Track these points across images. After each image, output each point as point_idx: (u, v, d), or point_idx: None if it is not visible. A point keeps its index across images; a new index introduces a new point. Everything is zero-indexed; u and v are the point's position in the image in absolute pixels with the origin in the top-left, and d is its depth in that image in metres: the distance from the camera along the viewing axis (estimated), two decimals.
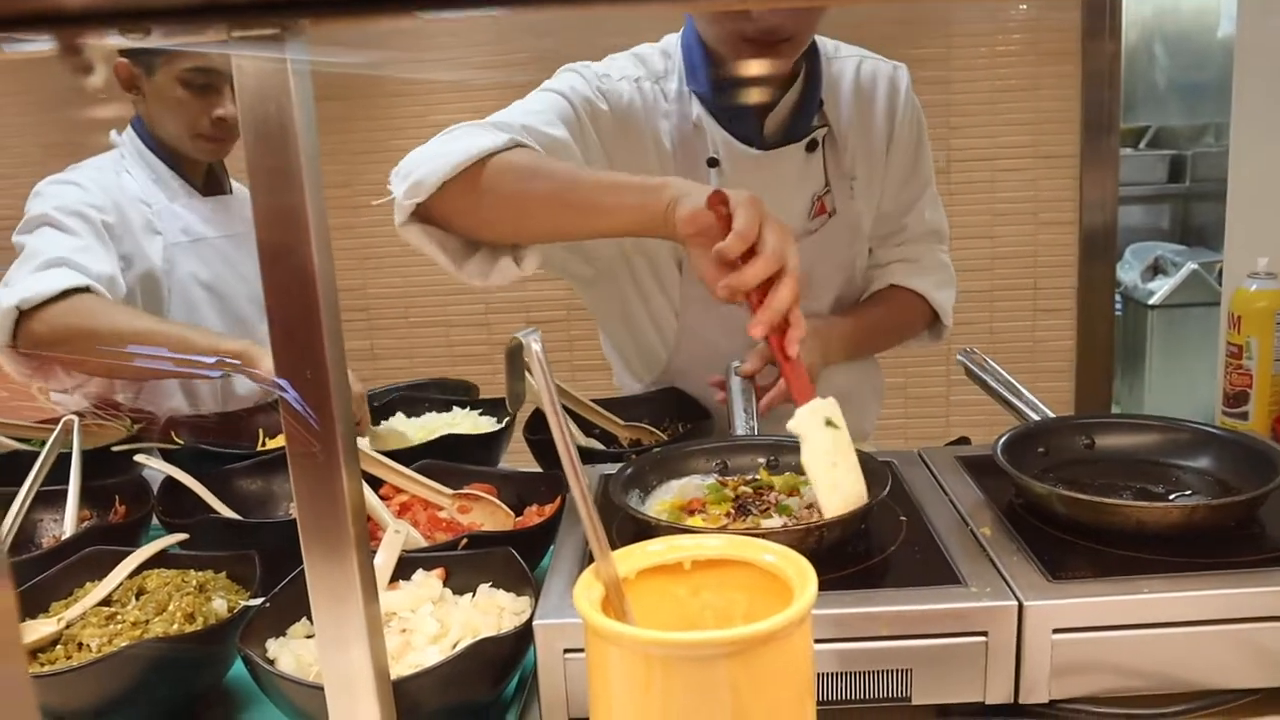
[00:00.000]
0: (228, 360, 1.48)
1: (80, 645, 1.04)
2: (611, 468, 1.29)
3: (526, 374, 1.03)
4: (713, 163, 1.55)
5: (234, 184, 2.09)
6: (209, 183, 2.04)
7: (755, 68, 1.50)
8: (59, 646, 1.05)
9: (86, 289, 1.65)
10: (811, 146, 1.58)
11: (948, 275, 1.79)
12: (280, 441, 1.66)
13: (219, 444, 1.60)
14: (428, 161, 1.32)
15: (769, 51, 1.45)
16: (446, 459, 1.44)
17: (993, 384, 1.38)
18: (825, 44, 1.64)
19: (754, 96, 1.54)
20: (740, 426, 1.41)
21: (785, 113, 1.56)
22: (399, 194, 1.34)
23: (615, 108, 1.53)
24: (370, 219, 3.48)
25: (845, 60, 1.65)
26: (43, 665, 1.03)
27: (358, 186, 3.45)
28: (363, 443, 1.45)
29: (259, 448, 1.66)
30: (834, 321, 1.69)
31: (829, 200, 1.62)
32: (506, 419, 1.67)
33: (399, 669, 0.95)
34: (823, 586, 0.74)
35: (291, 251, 0.69)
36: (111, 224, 1.83)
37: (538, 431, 1.58)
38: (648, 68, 1.59)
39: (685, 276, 1.64)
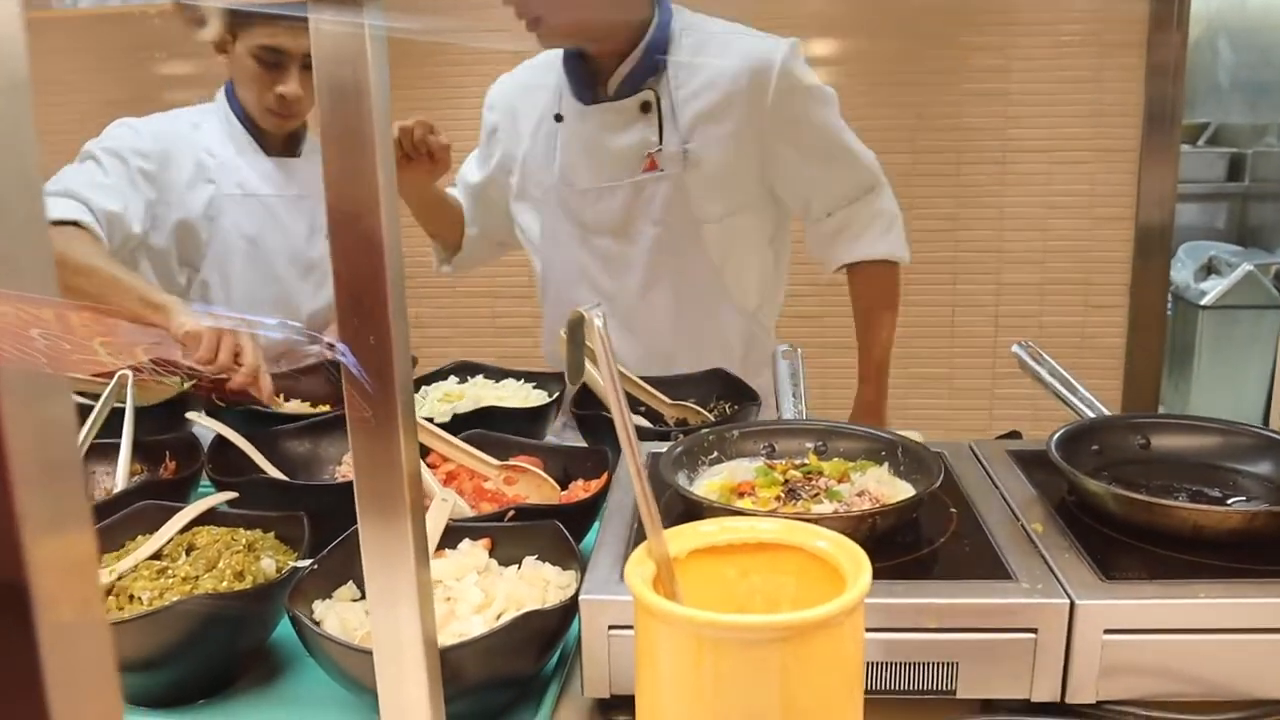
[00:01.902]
0: (289, 322, 1.52)
1: (132, 597, 1.06)
2: (658, 446, 1.29)
3: (587, 348, 1.03)
4: (558, 118, 1.87)
5: (311, 145, 2.13)
6: (286, 144, 2.09)
7: (592, 39, 1.79)
8: (111, 598, 1.07)
9: (74, 223, 1.76)
10: (644, 107, 1.79)
11: (885, 219, 1.90)
12: (292, 407, 1.72)
13: (227, 400, 1.64)
14: None
15: (533, 30, 1.73)
16: (494, 430, 1.44)
17: (1047, 378, 1.36)
18: (692, 18, 1.84)
19: (594, 61, 1.82)
20: (788, 410, 1.40)
21: (621, 75, 1.79)
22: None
23: (503, 106, 2.00)
24: None
25: (708, 36, 1.82)
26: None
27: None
28: None
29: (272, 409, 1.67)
30: (858, 402, 2.01)
31: (659, 158, 1.80)
32: (557, 393, 1.67)
33: (443, 638, 0.96)
34: (872, 575, 0.74)
35: (360, 216, 0.69)
36: (151, 170, 1.92)
37: (585, 406, 1.58)
38: (544, 60, 1.94)
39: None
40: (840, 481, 1.16)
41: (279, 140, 2.07)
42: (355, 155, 0.68)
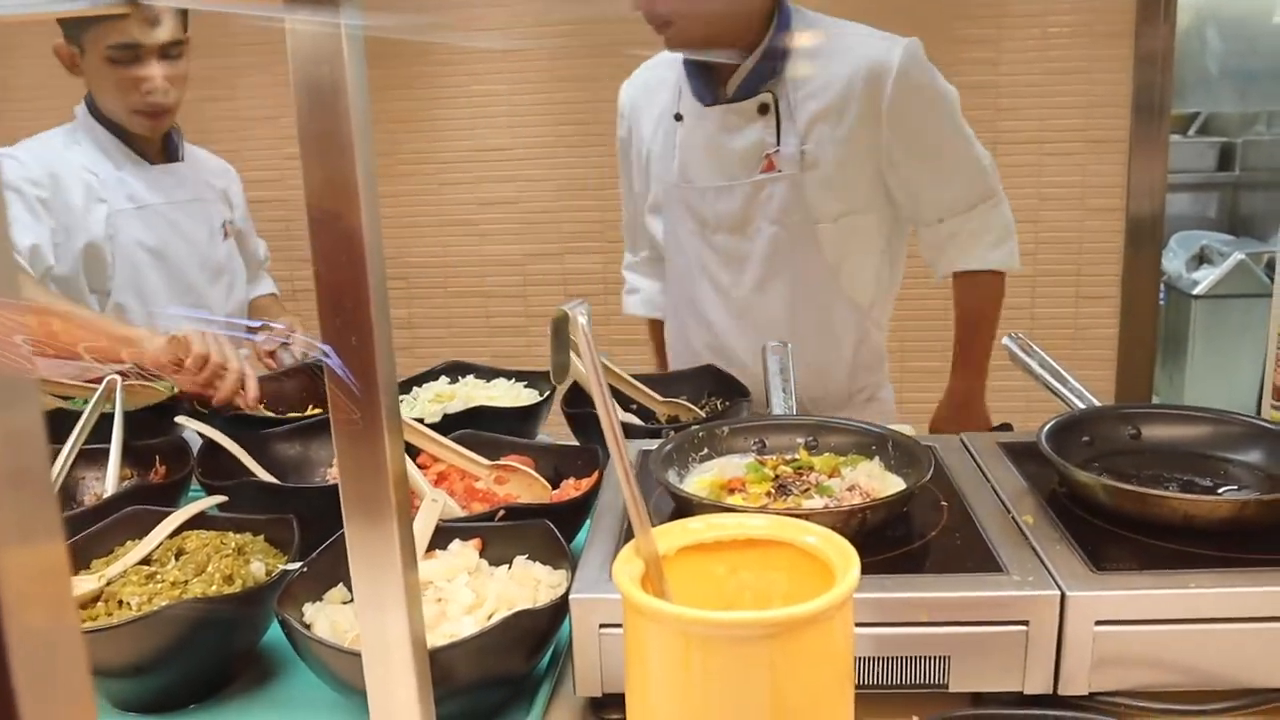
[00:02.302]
0: (272, 325, 1.51)
1: (121, 603, 1.05)
2: (649, 443, 1.28)
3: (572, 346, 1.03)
4: (678, 117, 1.89)
5: (188, 149, 2.09)
6: (162, 150, 2.05)
7: (717, 43, 1.79)
8: (100, 604, 1.06)
9: None
10: (763, 109, 1.79)
11: (999, 231, 1.91)
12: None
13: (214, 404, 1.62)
14: None
15: (662, 33, 1.73)
16: (485, 429, 1.44)
17: (1038, 369, 1.36)
18: (812, 17, 1.82)
19: (716, 63, 1.82)
20: (778, 406, 1.40)
21: (740, 76, 1.80)
22: None
23: (622, 112, 2.05)
24: (410, 188, 3.49)
25: (826, 37, 1.81)
26: (84, 621, 1.04)
27: (399, 155, 3.45)
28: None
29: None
30: (952, 392, 2.04)
31: (777, 159, 1.81)
32: (548, 391, 1.67)
33: (433, 638, 0.95)
34: (862, 570, 0.73)
35: (340, 218, 0.69)
36: (46, 198, 1.87)
37: (576, 405, 1.57)
38: (666, 59, 1.95)
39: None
40: (831, 476, 1.16)
41: (155, 147, 2.02)
42: (334, 155, 0.68)
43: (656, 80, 1.96)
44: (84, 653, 0.38)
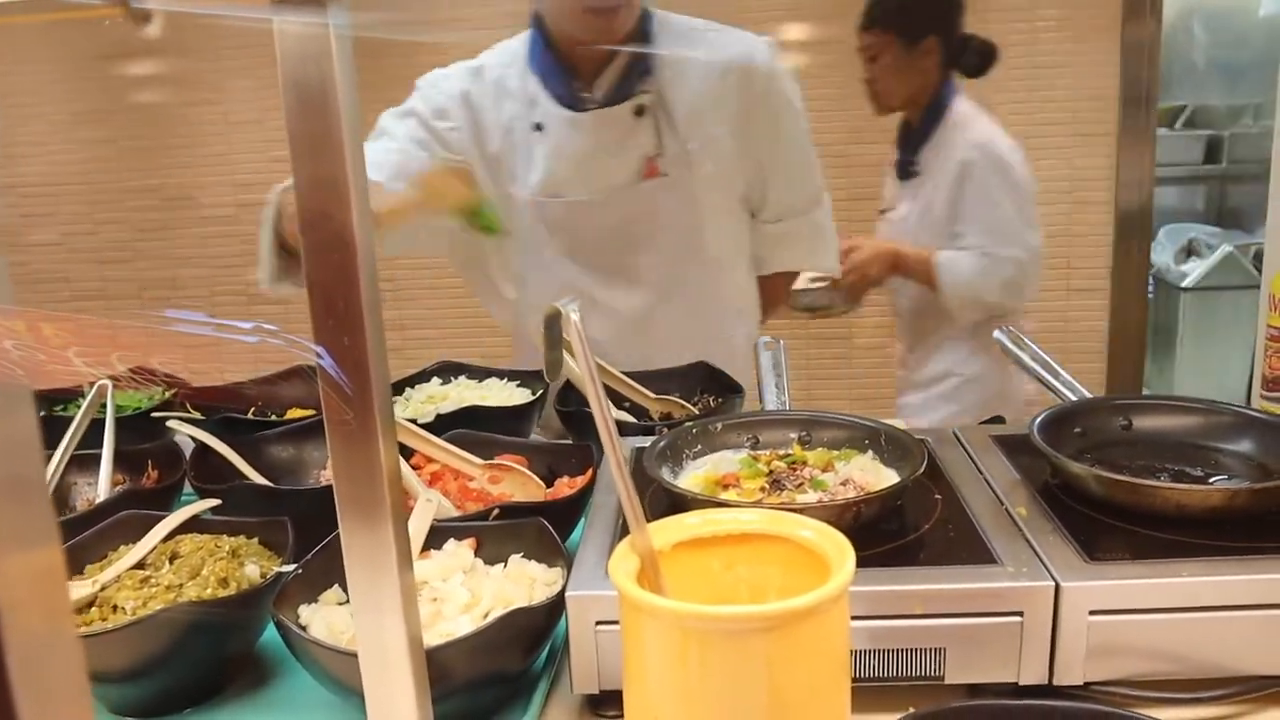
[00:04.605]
0: (265, 326, 1.49)
1: (115, 608, 1.05)
2: (642, 440, 1.28)
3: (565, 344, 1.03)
4: (538, 127, 1.74)
5: None
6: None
7: (603, 36, 1.66)
8: (94, 609, 1.06)
9: None
10: (639, 111, 1.69)
11: (826, 235, 1.93)
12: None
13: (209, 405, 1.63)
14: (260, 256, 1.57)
15: (605, 18, 1.61)
16: (478, 429, 1.44)
17: (1029, 362, 1.37)
18: (671, 17, 1.75)
19: (582, 65, 1.71)
20: (771, 401, 1.40)
21: (611, 79, 1.70)
22: (258, 274, 1.61)
23: (446, 107, 1.79)
24: None
25: (694, 33, 1.75)
26: (78, 627, 1.04)
27: None
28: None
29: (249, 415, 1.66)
30: None
31: (660, 163, 1.72)
32: (540, 390, 1.67)
33: (430, 638, 0.95)
34: (857, 564, 0.73)
35: (330, 218, 0.69)
36: None
37: (569, 403, 1.57)
38: (498, 56, 1.81)
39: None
40: (825, 471, 1.16)
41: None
42: (323, 155, 0.68)
43: (500, 86, 1.79)
44: (81, 656, 0.38)
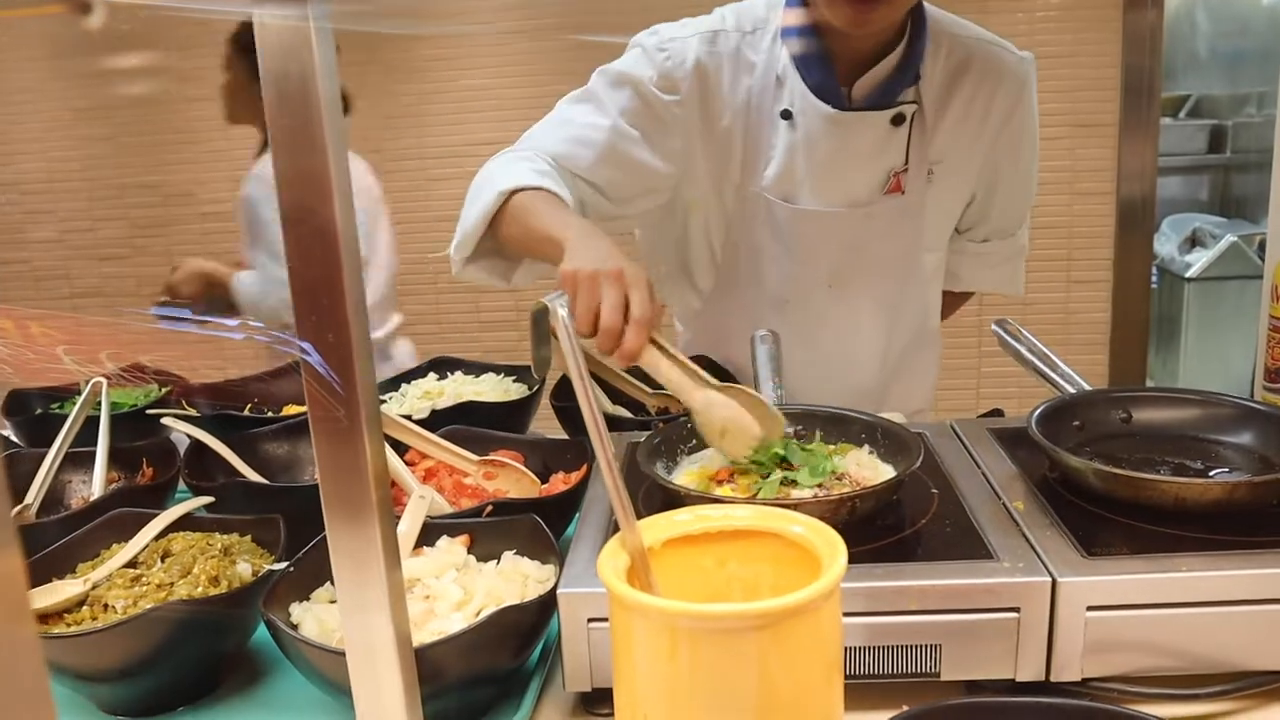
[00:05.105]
0: (250, 323, 1.48)
1: (106, 606, 1.04)
2: (638, 435, 1.28)
3: (553, 339, 1.02)
4: (785, 114, 1.52)
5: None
6: None
7: (852, 25, 1.38)
8: (85, 607, 1.06)
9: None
10: (898, 120, 1.51)
11: (1020, 256, 1.81)
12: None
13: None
14: (465, 216, 1.49)
15: (866, 5, 1.35)
16: (474, 425, 1.43)
17: (1027, 355, 1.35)
18: (944, 19, 1.56)
19: (846, 55, 1.48)
20: (768, 394, 1.39)
21: (877, 79, 1.48)
22: (453, 252, 1.54)
23: (675, 76, 1.51)
24: (398, 185, 3.47)
25: (963, 40, 1.56)
26: (69, 626, 1.03)
27: (389, 152, 3.44)
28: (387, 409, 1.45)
29: (245, 412, 1.66)
30: None
31: (905, 179, 1.55)
32: (536, 386, 1.66)
33: (422, 636, 0.95)
34: (852, 559, 0.73)
35: (313, 213, 0.68)
36: None
37: (564, 398, 1.57)
38: (738, 20, 1.55)
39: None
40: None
41: None
42: (305, 150, 0.67)
43: (737, 53, 1.54)
44: (41, 658, 0.37)
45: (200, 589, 1.05)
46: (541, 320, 0.79)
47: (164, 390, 1.69)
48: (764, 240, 1.59)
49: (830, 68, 1.48)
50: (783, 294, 1.63)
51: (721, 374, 1.66)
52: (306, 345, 0.72)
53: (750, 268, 1.63)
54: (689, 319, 1.77)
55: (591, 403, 0.73)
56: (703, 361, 1.71)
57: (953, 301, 1.85)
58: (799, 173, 1.53)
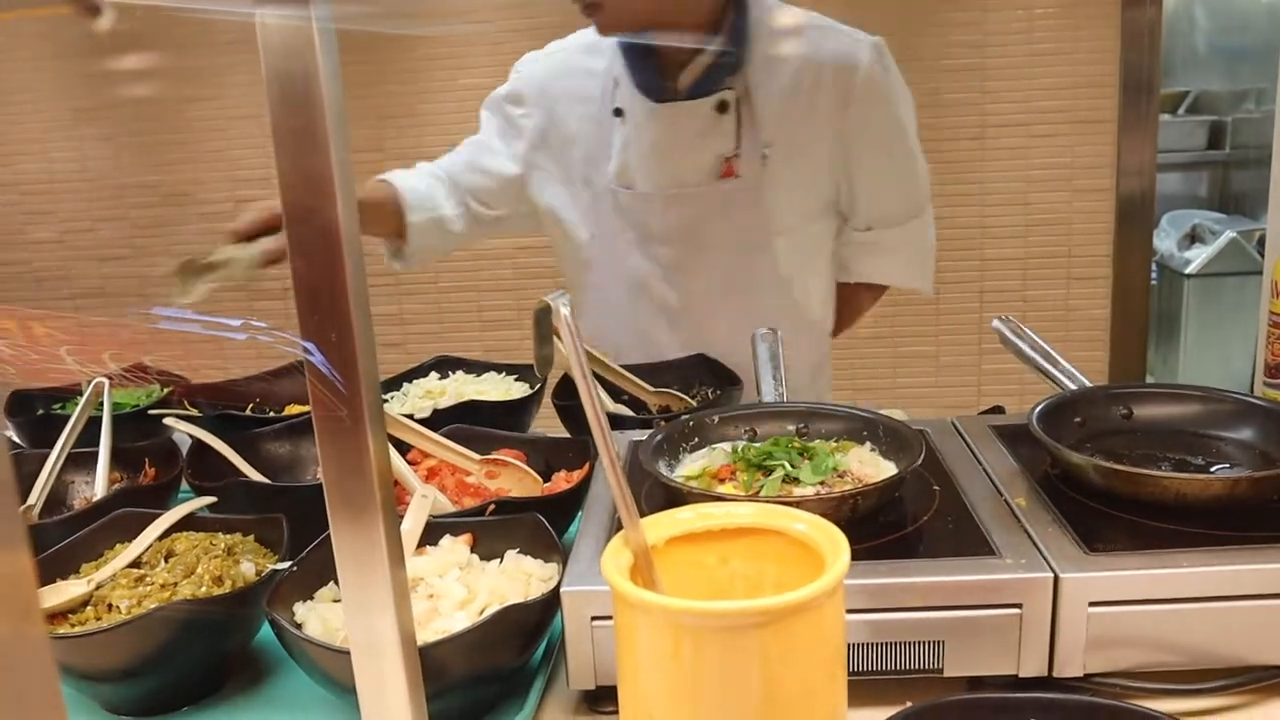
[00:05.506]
0: (253, 322, 1.49)
1: (110, 606, 1.05)
2: (640, 434, 1.28)
3: (555, 338, 1.02)
4: (618, 112, 1.69)
5: None
6: None
7: (599, 29, 1.58)
8: (89, 608, 1.06)
9: None
10: (722, 107, 1.61)
11: (921, 248, 1.83)
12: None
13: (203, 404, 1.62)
14: None
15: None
16: (476, 424, 1.43)
17: (1029, 351, 1.35)
18: (773, 6, 1.66)
19: (667, 51, 1.61)
20: (769, 393, 1.39)
21: (697, 70, 1.60)
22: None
23: (523, 92, 1.80)
24: None
25: (790, 26, 1.66)
26: (73, 626, 1.03)
27: (388, 150, 3.44)
28: (390, 408, 1.45)
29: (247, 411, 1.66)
30: None
31: (737, 164, 1.65)
32: (538, 385, 1.66)
33: (426, 635, 0.95)
34: (855, 556, 0.73)
35: (316, 213, 0.68)
36: None
37: (566, 397, 1.57)
38: (583, 37, 1.74)
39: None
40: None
41: None
42: (308, 150, 0.67)
43: (577, 66, 1.74)
44: (52, 661, 0.37)
45: (204, 589, 1.05)
46: (544, 319, 0.79)
47: (166, 390, 1.69)
48: (616, 228, 1.74)
49: (653, 65, 1.63)
50: (639, 277, 1.76)
51: (723, 374, 1.67)
52: (309, 344, 0.72)
53: (608, 258, 1.78)
54: (582, 314, 1.88)
55: (595, 401, 0.73)
56: (701, 359, 1.72)
57: (853, 296, 1.89)
58: (634, 163, 1.69)
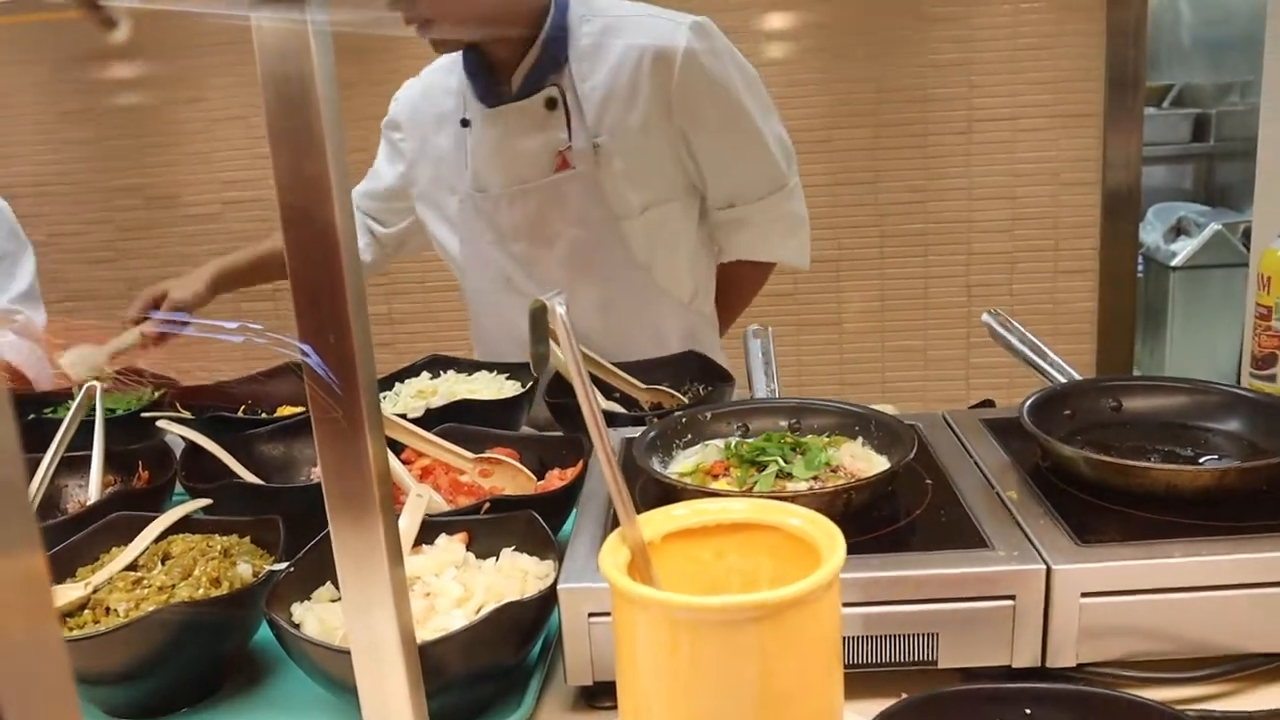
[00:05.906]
0: (249, 325, 1.50)
1: (108, 610, 1.05)
2: (633, 431, 1.28)
3: (549, 337, 1.03)
4: (465, 123, 1.78)
5: None
6: None
7: (490, 35, 1.68)
8: (86, 611, 1.06)
9: None
10: (551, 104, 1.69)
11: (790, 222, 1.86)
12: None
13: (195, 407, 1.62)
14: None
15: (425, 34, 1.63)
16: (468, 423, 1.43)
17: (1018, 345, 1.37)
18: (592, 3, 1.72)
19: (498, 59, 1.72)
20: (761, 389, 1.40)
21: (525, 71, 1.69)
22: None
23: (398, 118, 1.95)
24: None
25: (606, 18, 1.71)
26: (70, 630, 1.03)
27: (375, 151, 3.43)
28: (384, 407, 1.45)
29: (239, 413, 1.66)
30: None
31: (570, 156, 1.71)
32: (530, 383, 1.66)
33: (423, 633, 0.95)
34: (849, 550, 0.73)
35: (313, 212, 0.68)
36: None
37: (558, 395, 1.57)
38: (445, 58, 1.84)
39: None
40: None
41: None
42: (304, 152, 0.67)
43: (435, 87, 1.87)
44: (67, 662, 0.37)
45: (202, 590, 1.06)
46: (540, 318, 0.80)
47: (158, 393, 1.69)
48: (478, 231, 1.83)
49: (487, 74, 1.73)
50: (504, 276, 1.84)
51: (714, 371, 1.67)
52: (306, 346, 0.72)
53: (478, 262, 1.87)
54: (470, 317, 2.01)
55: (591, 400, 0.74)
56: (693, 356, 1.72)
57: (735, 275, 1.93)
58: (482, 167, 1.78)
